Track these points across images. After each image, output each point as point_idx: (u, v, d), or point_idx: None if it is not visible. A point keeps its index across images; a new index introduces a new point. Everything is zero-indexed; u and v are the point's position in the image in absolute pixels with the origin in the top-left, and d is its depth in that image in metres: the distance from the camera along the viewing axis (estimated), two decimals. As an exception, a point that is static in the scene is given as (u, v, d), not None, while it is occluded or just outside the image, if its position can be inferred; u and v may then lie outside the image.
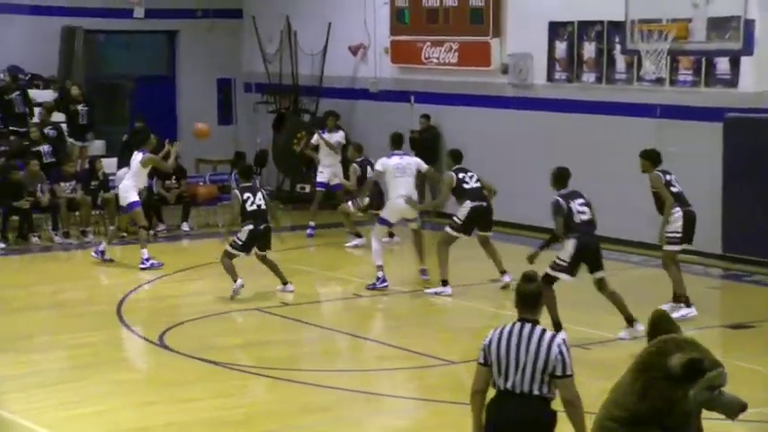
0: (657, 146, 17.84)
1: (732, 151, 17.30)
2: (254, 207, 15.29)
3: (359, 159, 18.94)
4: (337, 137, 20.41)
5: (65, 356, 13.08)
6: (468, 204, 15.68)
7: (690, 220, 14.18)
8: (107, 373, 12.19)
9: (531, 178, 19.03)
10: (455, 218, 15.82)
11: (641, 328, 12.68)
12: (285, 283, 15.70)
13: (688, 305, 14.10)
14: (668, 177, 14.31)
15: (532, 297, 6.91)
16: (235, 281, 15.32)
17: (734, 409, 5.66)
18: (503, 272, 16.00)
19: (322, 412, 11.00)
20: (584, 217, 13.18)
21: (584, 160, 19.12)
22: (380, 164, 16.31)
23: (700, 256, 17.43)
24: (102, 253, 17.81)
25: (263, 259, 15.69)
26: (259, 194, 15.46)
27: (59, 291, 16.32)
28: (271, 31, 24.64)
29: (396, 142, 16.67)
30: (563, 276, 12.98)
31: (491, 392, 7.02)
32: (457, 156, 16.13)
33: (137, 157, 17.77)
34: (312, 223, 20.17)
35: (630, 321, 13.15)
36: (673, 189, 14.21)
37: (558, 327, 12.69)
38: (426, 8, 21.80)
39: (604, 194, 17.69)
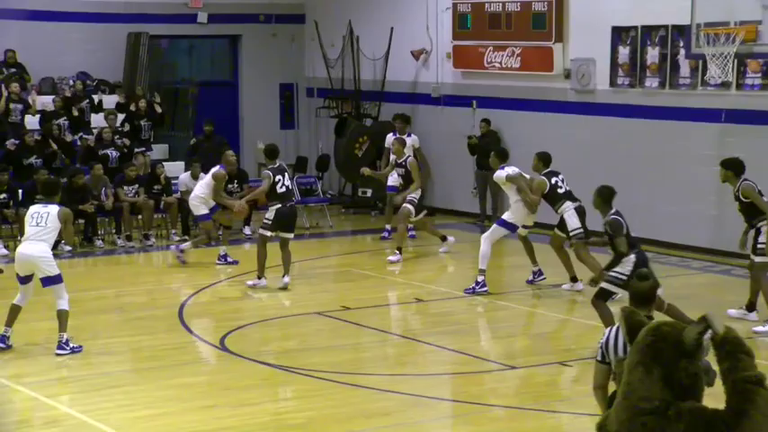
0: (722, 151, 17.70)
1: (799, 156, 17.07)
2: (284, 189, 15.89)
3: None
4: (410, 141, 20.39)
5: (127, 359, 13.18)
6: (569, 206, 15.59)
7: None
8: (168, 376, 12.25)
9: (593, 183, 18.86)
10: (574, 230, 15.49)
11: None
12: (284, 276, 16.09)
13: None
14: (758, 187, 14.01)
15: (646, 294, 7.16)
16: (259, 278, 15.93)
17: (713, 373, 5.96)
18: (573, 278, 15.90)
19: (383, 417, 10.97)
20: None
21: (647, 166, 18.99)
22: (504, 173, 15.97)
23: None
24: (182, 251, 18.08)
25: (284, 245, 15.86)
26: (287, 174, 16.06)
27: (122, 294, 16.44)
28: (333, 36, 24.72)
29: (504, 156, 16.41)
30: (620, 291, 12.68)
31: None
32: (546, 159, 16.01)
33: (213, 169, 17.94)
34: (388, 227, 20.15)
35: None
36: (764, 198, 13.93)
37: None
38: (489, 13, 21.74)
39: (667, 200, 17.57)
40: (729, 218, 17.62)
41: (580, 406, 10.89)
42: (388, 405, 11.33)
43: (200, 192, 17.97)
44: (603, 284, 12.68)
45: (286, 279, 16.06)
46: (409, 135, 20.52)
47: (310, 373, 12.26)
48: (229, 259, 18.17)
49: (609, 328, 7.28)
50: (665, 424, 5.45)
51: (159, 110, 22.94)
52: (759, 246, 13.79)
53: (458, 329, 14.50)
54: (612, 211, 12.86)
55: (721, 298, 14.81)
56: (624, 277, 12.36)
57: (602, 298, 12.65)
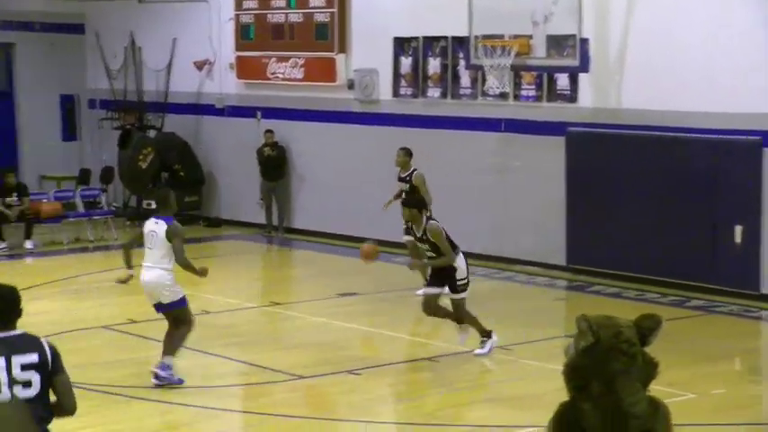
0: (503, 159, 18.23)
1: (574, 164, 17.70)
2: None
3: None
4: None
5: None
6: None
7: None
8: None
9: (378, 193, 19.16)
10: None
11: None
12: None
13: None
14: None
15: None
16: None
17: None
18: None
19: (173, 430, 10.90)
20: None
21: (431, 174, 19.33)
22: None
23: (545, 267, 17.78)
24: None
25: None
26: None
27: None
28: (115, 47, 24.36)
29: None
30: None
31: None
32: None
33: None
34: None
35: (487, 333, 13.30)
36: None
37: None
38: (271, 24, 21.79)
39: (451, 208, 17.93)
40: (512, 224, 18.18)
41: (369, 414, 11.02)
42: (177, 418, 11.26)
43: None
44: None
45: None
46: None
47: (96, 388, 12.06)
48: None
49: None
50: None
51: None
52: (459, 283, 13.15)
53: (245, 341, 14.50)
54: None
55: (510, 304, 15.14)
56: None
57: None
